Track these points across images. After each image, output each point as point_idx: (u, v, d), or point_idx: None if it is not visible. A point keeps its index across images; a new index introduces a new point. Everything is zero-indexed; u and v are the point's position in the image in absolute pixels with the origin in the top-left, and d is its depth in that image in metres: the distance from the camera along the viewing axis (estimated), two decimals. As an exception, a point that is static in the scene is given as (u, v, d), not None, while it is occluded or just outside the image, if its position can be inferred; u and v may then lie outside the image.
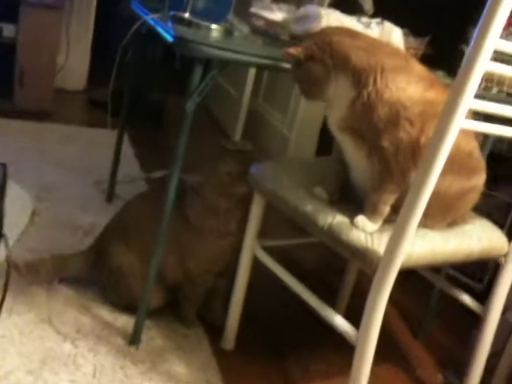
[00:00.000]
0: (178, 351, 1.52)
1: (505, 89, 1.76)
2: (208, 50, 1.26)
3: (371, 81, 1.15)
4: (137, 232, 1.56)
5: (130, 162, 2.54)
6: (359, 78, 1.16)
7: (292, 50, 1.22)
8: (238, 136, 3.32)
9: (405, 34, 1.67)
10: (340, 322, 1.25)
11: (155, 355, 1.48)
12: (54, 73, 2.98)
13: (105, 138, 2.51)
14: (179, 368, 1.46)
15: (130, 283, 1.54)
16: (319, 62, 1.19)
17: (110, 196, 2.20)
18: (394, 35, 1.61)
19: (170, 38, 1.30)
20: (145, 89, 3.01)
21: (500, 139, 1.95)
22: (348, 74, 1.17)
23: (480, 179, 1.29)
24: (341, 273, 1.84)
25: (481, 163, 1.29)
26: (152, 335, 1.54)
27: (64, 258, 1.63)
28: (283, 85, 3.18)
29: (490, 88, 1.77)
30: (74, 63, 3.34)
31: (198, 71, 1.29)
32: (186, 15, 1.46)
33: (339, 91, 1.19)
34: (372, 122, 1.16)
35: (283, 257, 1.47)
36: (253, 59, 1.36)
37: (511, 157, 2.07)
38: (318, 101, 1.27)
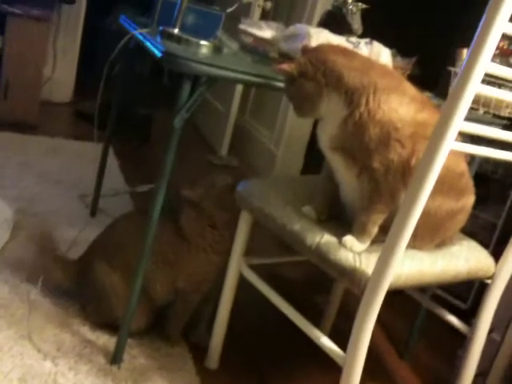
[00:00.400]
0: (161, 370, 1.49)
1: (491, 110, 1.78)
2: (197, 66, 1.25)
3: (363, 101, 1.14)
4: (123, 251, 1.53)
5: (114, 176, 2.52)
6: (352, 97, 1.16)
7: (285, 66, 1.21)
8: (224, 151, 3.32)
9: (392, 54, 1.68)
10: (326, 342, 1.24)
11: (137, 374, 1.45)
12: (40, 85, 2.96)
13: (90, 150, 2.49)
14: (162, 388, 1.43)
15: (113, 302, 1.51)
16: (312, 79, 1.19)
17: (94, 210, 2.17)
18: (382, 55, 1.62)
19: (158, 53, 1.29)
20: (132, 103, 2.99)
21: (486, 160, 1.96)
22: (340, 92, 1.17)
23: (469, 200, 1.29)
24: (327, 292, 1.82)
25: (470, 184, 1.29)
26: (134, 354, 1.51)
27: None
28: (270, 101, 3.18)
29: (477, 109, 1.78)
30: (61, 75, 3.33)
31: (187, 87, 1.28)
32: (176, 31, 1.45)
33: (331, 109, 1.19)
34: (363, 142, 1.15)
35: (269, 275, 1.46)
36: (241, 76, 1.35)
37: (496, 177, 2.09)
38: (310, 118, 1.27)
